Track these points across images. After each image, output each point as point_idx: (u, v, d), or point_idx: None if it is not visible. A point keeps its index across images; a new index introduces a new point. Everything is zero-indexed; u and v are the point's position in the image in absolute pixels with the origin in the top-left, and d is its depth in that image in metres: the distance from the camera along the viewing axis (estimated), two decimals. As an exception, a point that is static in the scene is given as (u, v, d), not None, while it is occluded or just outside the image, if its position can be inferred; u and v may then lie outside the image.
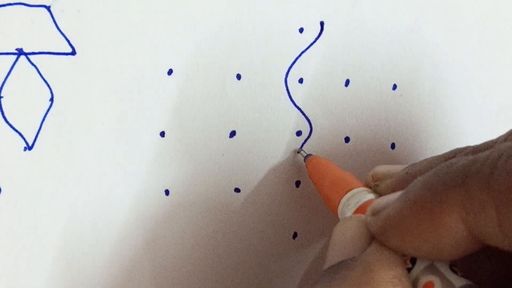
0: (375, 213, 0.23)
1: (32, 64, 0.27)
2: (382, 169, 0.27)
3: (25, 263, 0.28)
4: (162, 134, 0.29)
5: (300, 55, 0.31)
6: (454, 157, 0.25)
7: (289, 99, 0.31)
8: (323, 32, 0.31)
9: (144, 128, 0.29)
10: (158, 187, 0.30)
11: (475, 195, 0.19)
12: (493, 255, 0.23)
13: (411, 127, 0.33)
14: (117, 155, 0.29)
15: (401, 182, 0.26)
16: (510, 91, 0.35)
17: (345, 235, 0.23)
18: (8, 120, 0.26)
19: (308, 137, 0.32)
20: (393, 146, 0.33)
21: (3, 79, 0.26)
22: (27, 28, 0.26)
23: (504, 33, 0.35)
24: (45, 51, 0.27)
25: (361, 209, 0.26)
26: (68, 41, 0.27)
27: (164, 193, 0.30)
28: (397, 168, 0.27)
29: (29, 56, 0.26)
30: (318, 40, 0.31)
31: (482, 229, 0.19)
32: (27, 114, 0.27)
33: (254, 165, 0.31)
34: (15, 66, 0.26)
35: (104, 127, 0.28)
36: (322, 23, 0.31)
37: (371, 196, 0.27)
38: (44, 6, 0.26)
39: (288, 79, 0.31)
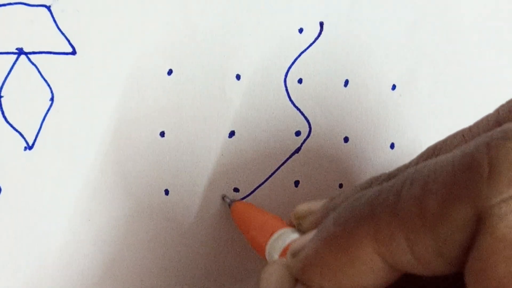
0: (294, 254, 0.23)
1: (33, 63, 0.27)
2: (303, 207, 0.28)
3: (25, 263, 0.28)
4: (162, 134, 0.29)
5: (299, 55, 0.31)
6: (370, 186, 0.25)
7: (288, 99, 0.31)
8: (323, 32, 0.31)
9: (144, 128, 0.29)
10: (158, 187, 0.30)
11: (384, 225, 0.20)
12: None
13: (410, 127, 0.34)
14: (117, 155, 0.29)
15: (322, 218, 0.26)
16: (510, 91, 0.35)
17: (270, 281, 0.23)
18: (8, 119, 0.27)
19: (307, 137, 0.32)
20: (392, 146, 0.33)
21: (3, 79, 0.26)
22: (27, 27, 0.26)
23: (504, 33, 0.35)
24: (45, 50, 0.27)
25: (287, 250, 0.26)
26: (69, 41, 0.27)
27: (164, 192, 0.30)
28: (317, 204, 0.27)
29: (29, 55, 0.26)
30: (317, 41, 0.31)
31: (396, 257, 0.20)
32: (27, 113, 0.27)
33: (253, 165, 0.31)
34: (15, 65, 0.26)
35: (104, 127, 0.28)
36: (321, 24, 0.31)
37: (295, 235, 0.27)
38: (44, 5, 0.26)
39: (287, 79, 0.31)
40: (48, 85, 0.27)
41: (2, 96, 0.26)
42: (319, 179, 0.32)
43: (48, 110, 0.27)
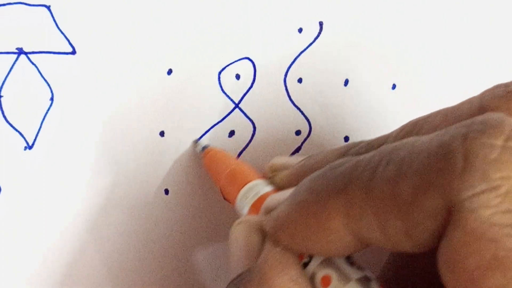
0: (267, 211, 0.23)
1: (32, 63, 0.27)
2: (279, 160, 0.28)
3: (25, 263, 0.28)
4: (162, 134, 0.29)
5: (299, 55, 0.31)
6: (348, 151, 0.26)
7: (288, 99, 0.31)
8: (322, 32, 0.31)
9: (144, 128, 0.29)
10: (158, 187, 0.30)
11: (356, 202, 0.20)
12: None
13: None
14: (117, 154, 0.29)
15: (296, 175, 0.27)
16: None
17: (238, 242, 0.24)
18: (8, 119, 0.27)
19: (308, 136, 0.32)
20: (392, 145, 0.33)
21: (3, 79, 0.26)
22: (27, 27, 0.26)
23: (506, 34, 0.35)
24: (45, 50, 0.27)
25: (258, 202, 0.26)
26: (68, 41, 0.27)
27: (163, 192, 0.30)
28: (294, 160, 0.27)
29: (29, 55, 0.26)
30: (317, 40, 0.31)
31: (365, 233, 0.20)
32: (27, 113, 0.27)
33: (253, 164, 0.31)
34: (15, 65, 0.26)
35: (104, 126, 0.28)
36: (321, 23, 0.31)
37: (269, 188, 0.27)
38: (44, 5, 0.26)
39: (287, 78, 0.31)
40: (48, 85, 0.27)
41: (2, 96, 0.26)
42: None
43: (48, 110, 0.27)
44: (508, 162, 0.18)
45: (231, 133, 0.30)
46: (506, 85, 0.23)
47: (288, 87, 0.31)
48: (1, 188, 0.27)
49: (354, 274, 0.22)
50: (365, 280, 0.22)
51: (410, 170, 0.19)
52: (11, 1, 0.26)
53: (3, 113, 0.26)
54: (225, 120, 0.30)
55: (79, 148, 0.28)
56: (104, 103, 0.28)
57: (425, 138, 0.19)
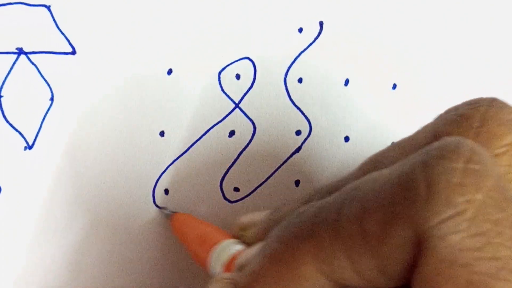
0: (240, 268, 0.23)
1: (32, 63, 0.27)
2: (246, 218, 0.28)
3: (25, 263, 0.28)
4: (162, 133, 0.29)
5: (299, 55, 0.31)
6: (312, 198, 0.25)
7: (288, 99, 0.31)
8: (322, 32, 0.31)
9: (144, 128, 0.29)
10: (158, 187, 0.30)
11: (325, 244, 0.20)
12: None
13: (411, 126, 0.33)
14: (117, 154, 0.29)
15: (264, 230, 0.26)
16: (511, 91, 0.35)
17: None
18: (8, 119, 0.27)
19: (308, 136, 0.32)
20: (392, 145, 0.33)
21: (3, 79, 0.26)
22: (27, 27, 0.26)
23: (506, 34, 0.35)
24: (45, 50, 0.27)
25: (231, 262, 0.26)
26: (68, 41, 0.27)
27: (164, 192, 0.30)
28: (261, 215, 0.27)
29: (29, 55, 0.26)
30: (317, 40, 0.31)
31: (338, 275, 0.20)
32: (27, 113, 0.27)
33: (253, 164, 0.31)
34: (15, 65, 0.26)
35: (104, 126, 0.28)
36: (321, 23, 0.31)
37: (239, 247, 0.27)
38: (44, 5, 0.26)
39: (287, 78, 0.31)
40: (48, 85, 0.27)
41: (2, 96, 0.26)
42: (319, 178, 0.32)
43: (48, 110, 0.27)
44: (471, 185, 0.18)
45: (231, 133, 0.30)
46: (456, 108, 0.23)
47: (288, 87, 0.31)
48: (1, 188, 0.27)
49: None
50: None
51: (374, 205, 0.19)
52: (11, 1, 0.26)
53: (3, 113, 0.26)
54: (225, 120, 0.30)
55: (79, 148, 0.28)
56: (104, 103, 0.28)
57: (385, 171, 0.19)
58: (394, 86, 0.33)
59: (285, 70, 0.31)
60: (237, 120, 0.30)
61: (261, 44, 0.30)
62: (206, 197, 0.30)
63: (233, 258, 0.26)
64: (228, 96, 0.30)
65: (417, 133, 0.24)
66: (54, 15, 0.27)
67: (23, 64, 0.26)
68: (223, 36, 0.30)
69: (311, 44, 0.31)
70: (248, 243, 0.27)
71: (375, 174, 0.20)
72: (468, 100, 0.23)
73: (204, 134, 0.30)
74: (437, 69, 0.34)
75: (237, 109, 0.30)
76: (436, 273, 0.18)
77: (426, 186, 0.18)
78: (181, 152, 0.30)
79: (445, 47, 0.34)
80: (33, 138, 0.27)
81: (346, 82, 0.32)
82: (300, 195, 0.27)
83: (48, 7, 0.27)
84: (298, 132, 0.31)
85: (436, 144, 0.19)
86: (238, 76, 0.30)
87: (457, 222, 0.18)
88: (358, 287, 0.20)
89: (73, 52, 0.27)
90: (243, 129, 0.31)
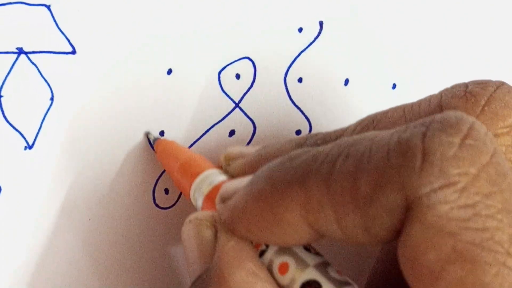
0: (223, 199, 0.23)
1: (32, 63, 0.27)
2: (235, 149, 0.28)
3: (25, 263, 0.28)
4: (162, 133, 0.29)
5: (299, 55, 0.31)
6: (305, 142, 0.26)
7: (288, 99, 0.31)
8: (322, 32, 0.31)
9: (144, 128, 0.29)
10: (158, 187, 0.30)
11: (314, 195, 0.20)
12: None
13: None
14: (117, 154, 0.29)
15: (252, 164, 0.26)
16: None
17: (191, 241, 0.23)
18: (8, 119, 0.27)
19: (308, 136, 0.32)
20: (392, 145, 0.33)
21: (3, 78, 0.26)
22: (27, 27, 0.26)
23: (506, 34, 0.35)
24: (45, 50, 0.27)
25: (213, 192, 0.25)
26: (68, 40, 0.27)
27: (164, 192, 0.30)
28: (250, 150, 0.27)
29: (29, 55, 0.26)
30: (317, 40, 0.31)
31: (322, 226, 0.20)
32: (27, 113, 0.27)
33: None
34: (15, 65, 0.26)
35: (104, 126, 0.28)
36: (321, 23, 0.31)
37: (223, 177, 0.26)
38: (44, 5, 0.26)
39: (287, 78, 0.31)
40: (48, 85, 0.27)
41: (2, 96, 0.26)
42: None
43: (48, 109, 0.27)
44: (465, 159, 0.18)
45: (231, 133, 0.30)
46: (466, 85, 0.23)
47: (288, 87, 0.31)
48: (1, 188, 0.27)
49: (312, 260, 0.22)
50: (323, 265, 0.22)
51: (369, 166, 0.19)
52: (11, 1, 0.26)
53: (3, 113, 0.26)
54: (225, 119, 0.30)
55: (79, 147, 0.28)
56: (104, 103, 0.28)
57: (384, 134, 0.20)
58: (394, 86, 0.33)
59: (285, 70, 0.31)
60: (237, 120, 0.30)
61: (261, 44, 0.30)
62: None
63: (215, 189, 0.25)
64: (228, 96, 0.30)
65: (422, 101, 0.24)
66: (54, 15, 0.27)
67: (23, 64, 0.26)
68: (223, 36, 0.30)
69: (311, 44, 0.31)
70: (232, 175, 0.26)
71: (373, 134, 0.20)
72: (477, 79, 0.23)
73: (204, 134, 0.30)
74: (437, 69, 0.34)
75: (237, 109, 0.30)
76: (422, 240, 0.18)
77: (422, 156, 0.18)
78: (181, 152, 0.30)
79: (445, 47, 0.34)
80: (33, 138, 0.27)
81: (346, 82, 0.32)
82: (292, 137, 0.27)
83: (48, 7, 0.27)
84: (298, 132, 0.31)
85: (438, 116, 0.19)
86: (238, 76, 0.30)
87: (447, 193, 0.18)
88: (337, 240, 0.20)
89: (73, 52, 0.27)
90: (243, 129, 0.31)
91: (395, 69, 0.33)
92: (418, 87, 0.33)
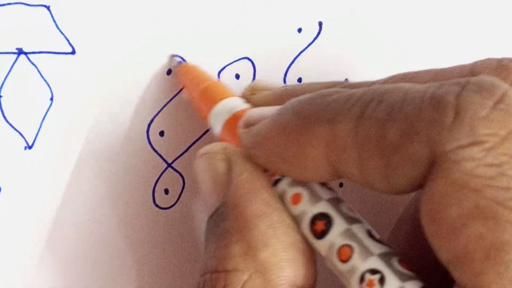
0: (247, 124, 0.23)
1: (32, 63, 0.27)
2: (261, 82, 0.28)
3: (25, 263, 0.28)
4: (162, 133, 0.29)
5: (298, 55, 0.31)
6: (334, 86, 0.25)
7: (288, 99, 0.31)
8: (322, 32, 0.31)
9: (144, 128, 0.29)
10: (158, 187, 0.30)
11: (341, 135, 0.20)
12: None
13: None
14: (117, 154, 0.29)
15: (278, 96, 0.26)
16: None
17: (205, 175, 0.23)
18: (8, 119, 0.27)
19: (308, 136, 0.32)
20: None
21: (3, 79, 0.26)
22: (26, 27, 0.26)
23: (505, 34, 0.35)
24: (45, 50, 0.27)
25: (234, 119, 0.25)
26: (68, 41, 0.27)
27: (163, 192, 0.30)
28: (277, 85, 0.27)
29: (29, 55, 0.26)
30: (316, 40, 0.31)
31: (343, 167, 0.20)
32: (27, 113, 0.27)
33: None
34: (15, 65, 0.26)
35: (104, 126, 0.28)
36: (320, 23, 0.31)
37: (245, 105, 0.26)
38: (44, 5, 0.26)
39: (287, 78, 0.31)
40: (48, 85, 0.27)
41: (2, 96, 0.26)
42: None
43: (48, 109, 0.27)
44: (496, 121, 0.18)
45: (231, 133, 0.30)
46: (499, 59, 0.24)
47: (288, 87, 0.31)
48: (1, 188, 0.27)
49: (325, 194, 0.22)
50: (336, 200, 0.22)
51: (400, 115, 0.19)
52: (11, 1, 0.26)
53: (3, 113, 0.26)
54: (225, 120, 0.30)
55: (79, 148, 0.28)
56: (104, 103, 0.28)
57: (419, 87, 0.20)
58: (394, 86, 0.33)
59: (285, 70, 0.31)
60: (237, 120, 0.30)
61: (260, 44, 0.30)
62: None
63: (236, 116, 0.25)
64: (227, 96, 0.30)
65: (454, 67, 0.25)
66: (54, 15, 0.27)
67: (23, 64, 0.26)
68: (222, 36, 0.30)
69: (310, 44, 0.31)
70: (256, 105, 0.26)
71: (408, 86, 0.20)
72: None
73: (204, 134, 0.30)
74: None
75: (236, 109, 0.30)
76: (445, 194, 0.18)
77: (453, 113, 0.18)
78: (181, 152, 0.30)
79: (445, 47, 0.34)
80: (33, 138, 0.27)
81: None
82: (320, 82, 0.27)
83: (48, 7, 0.27)
84: (297, 132, 0.31)
85: (474, 78, 0.19)
86: (238, 76, 0.30)
87: (474, 151, 0.18)
88: (355, 181, 0.20)
89: (73, 52, 0.27)
90: (243, 129, 0.31)
91: (395, 69, 0.33)
92: (418, 87, 0.33)
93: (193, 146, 0.30)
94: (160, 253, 0.30)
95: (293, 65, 0.31)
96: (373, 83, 0.25)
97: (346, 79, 0.32)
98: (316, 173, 0.21)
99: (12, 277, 0.28)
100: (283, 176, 0.22)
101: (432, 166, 0.19)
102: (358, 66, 0.32)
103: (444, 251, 0.18)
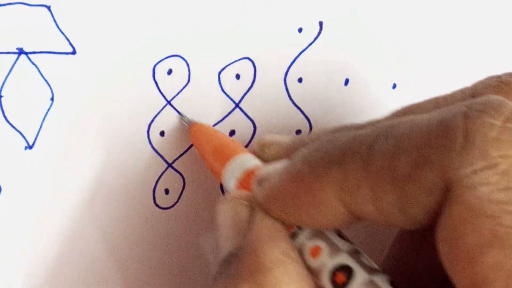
0: (260, 182, 0.23)
1: (33, 63, 0.27)
2: (269, 136, 0.28)
3: (25, 263, 0.28)
4: (162, 133, 0.29)
5: (299, 55, 0.31)
6: (341, 130, 0.26)
7: (288, 99, 0.31)
8: (322, 32, 0.31)
9: (144, 128, 0.29)
10: (158, 187, 0.30)
11: (352, 175, 0.20)
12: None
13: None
14: (117, 154, 0.29)
15: (287, 150, 0.26)
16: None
17: (226, 219, 0.23)
18: (9, 119, 0.27)
19: (308, 136, 0.32)
20: (392, 145, 0.33)
21: (3, 79, 0.26)
22: (27, 27, 0.26)
23: (505, 34, 0.35)
24: (46, 50, 0.27)
25: (246, 176, 0.25)
26: (68, 41, 0.27)
27: (164, 192, 0.30)
28: (285, 138, 0.27)
29: (29, 55, 0.26)
30: (317, 40, 0.31)
31: (358, 207, 0.20)
32: (28, 113, 0.27)
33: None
34: (16, 65, 0.26)
35: (104, 126, 0.28)
36: (321, 23, 0.31)
37: (256, 162, 0.26)
38: (44, 5, 0.26)
39: (287, 78, 0.31)
40: (48, 85, 0.27)
41: (2, 96, 0.26)
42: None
43: (48, 109, 0.27)
44: (507, 142, 0.18)
45: (232, 133, 0.30)
46: (498, 76, 0.24)
47: (288, 87, 0.31)
48: (1, 188, 0.27)
49: (345, 246, 0.22)
50: (355, 252, 0.22)
51: (409, 145, 0.19)
52: (11, 1, 0.26)
53: (3, 113, 0.26)
54: (225, 119, 0.30)
55: (79, 147, 0.28)
56: (104, 103, 0.28)
57: (425, 115, 0.20)
58: (394, 86, 0.33)
59: (285, 70, 0.31)
60: (237, 120, 0.30)
61: (261, 44, 0.30)
62: (206, 197, 0.30)
63: (249, 174, 0.25)
64: (228, 96, 0.30)
65: (455, 92, 0.24)
66: (54, 15, 0.27)
67: (23, 64, 0.26)
68: (223, 36, 0.30)
69: (311, 44, 0.31)
70: (267, 160, 0.26)
71: (413, 117, 0.20)
72: (510, 71, 0.24)
73: (204, 134, 0.30)
74: (437, 69, 0.34)
75: (237, 109, 0.30)
76: (462, 221, 0.18)
77: (463, 136, 0.18)
78: (181, 152, 0.30)
79: (445, 47, 0.34)
80: (33, 138, 0.27)
81: (346, 82, 0.32)
82: (328, 126, 0.27)
83: (48, 7, 0.27)
84: (298, 132, 0.31)
85: (479, 99, 0.19)
86: (238, 76, 0.30)
87: (488, 174, 0.18)
88: (373, 221, 0.20)
89: (73, 52, 0.27)
90: (243, 129, 0.31)
91: (395, 69, 0.33)
92: (418, 87, 0.33)
93: (193, 146, 0.30)
94: (161, 253, 0.30)
95: (293, 65, 0.31)
96: (377, 121, 0.25)
97: (347, 79, 0.32)
98: (332, 218, 0.21)
99: (12, 277, 0.28)
100: (300, 227, 0.22)
101: (447, 193, 0.18)
102: (358, 66, 0.32)
103: (461, 278, 0.18)
